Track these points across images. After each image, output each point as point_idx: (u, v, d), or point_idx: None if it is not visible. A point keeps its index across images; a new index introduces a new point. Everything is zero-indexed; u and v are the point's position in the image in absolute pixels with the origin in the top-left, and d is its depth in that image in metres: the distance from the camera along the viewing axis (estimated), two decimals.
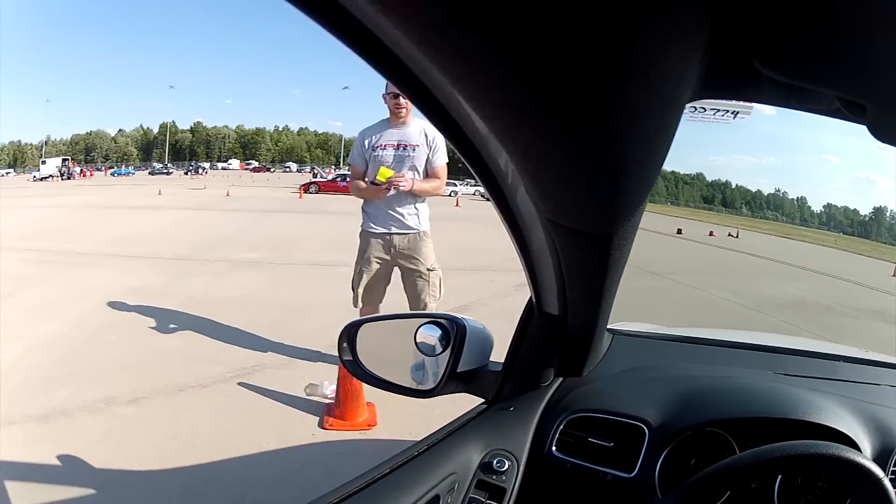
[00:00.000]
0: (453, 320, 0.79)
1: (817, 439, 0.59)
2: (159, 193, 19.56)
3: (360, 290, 2.73)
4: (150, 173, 48.26)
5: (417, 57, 0.27)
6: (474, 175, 0.46)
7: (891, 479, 0.57)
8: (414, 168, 2.65)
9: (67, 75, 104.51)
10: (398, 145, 2.64)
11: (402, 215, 2.65)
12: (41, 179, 37.94)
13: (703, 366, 0.95)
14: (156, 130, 73.48)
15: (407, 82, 0.31)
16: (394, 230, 2.65)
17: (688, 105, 0.31)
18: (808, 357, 0.97)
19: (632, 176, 0.36)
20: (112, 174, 49.06)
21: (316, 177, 36.50)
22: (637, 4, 0.20)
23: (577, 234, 0.47)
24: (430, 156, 2.66)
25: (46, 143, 67.37)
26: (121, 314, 3.91)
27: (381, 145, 2.65)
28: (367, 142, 2.68)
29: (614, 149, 0.31)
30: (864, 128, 0.27)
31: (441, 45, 0.24)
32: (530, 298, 0.74)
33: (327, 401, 2.56)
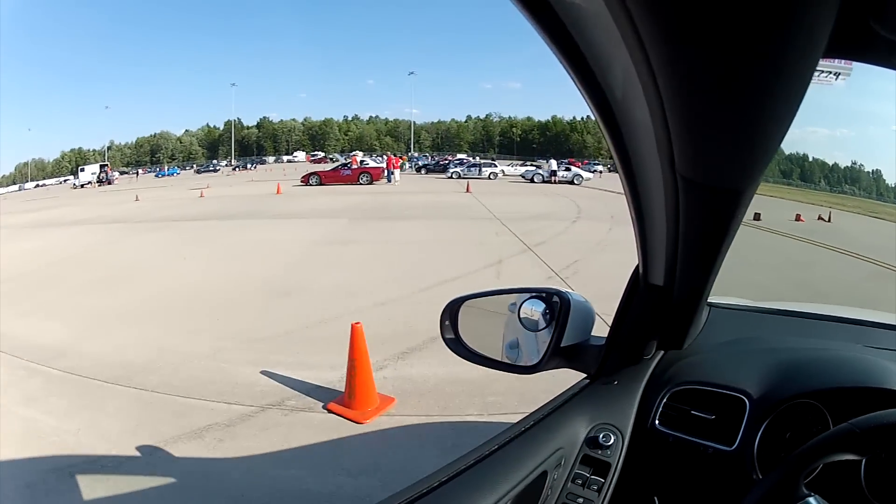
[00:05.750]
0: (558, 294, 0.79)
1: None
2: (136, 199, 17.13)
3: None
4: (196, 171, 47.69)
5: None
6: (604, 135, 0.46)
7: None
8: None
9: (131, 81, 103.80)
10: None
11: None
12: (81, 186, 39.44)
13: (798, 338, 0.96)
14: (221, 128, 74.66)
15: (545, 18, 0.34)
16: None
17: None
18: (894, 331, 0.97)
19: (767, 129, 0.38)
20: (156, 175, 47.08)
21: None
22: None
23: (707, 189, 0.48)
24: None
25: (110, 147, 69.56)
26: None
27: None
28: None
29: (756, 102, 0.34)
30: None
31: None
32: (636, 269, 0.74)
33: None
